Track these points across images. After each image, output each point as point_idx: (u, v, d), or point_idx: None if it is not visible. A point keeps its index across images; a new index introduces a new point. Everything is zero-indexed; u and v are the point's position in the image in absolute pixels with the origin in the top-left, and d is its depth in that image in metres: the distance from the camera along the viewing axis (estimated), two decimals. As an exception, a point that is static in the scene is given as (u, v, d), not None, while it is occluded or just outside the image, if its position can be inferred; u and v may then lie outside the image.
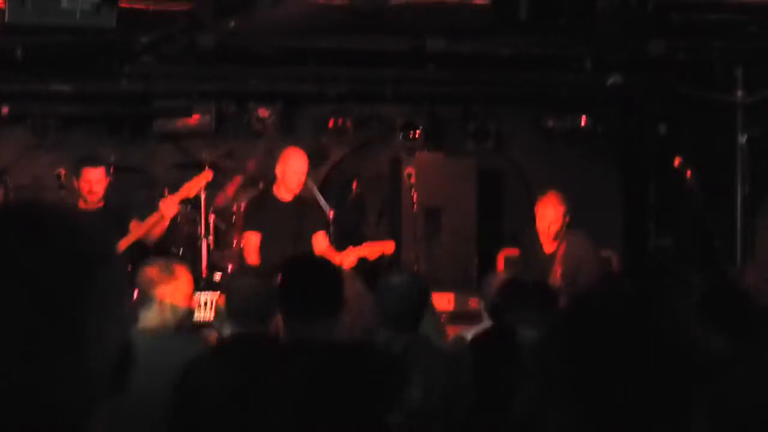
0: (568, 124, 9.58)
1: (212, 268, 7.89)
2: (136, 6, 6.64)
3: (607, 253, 8.29)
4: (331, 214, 8.02)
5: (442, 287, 7.81)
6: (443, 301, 7.70)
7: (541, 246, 7.31)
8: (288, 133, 9.42)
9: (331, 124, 9.38)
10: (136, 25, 7.12)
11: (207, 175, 7.14)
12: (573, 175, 8.93)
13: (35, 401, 1.27)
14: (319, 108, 9.40)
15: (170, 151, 9.24)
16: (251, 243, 7.30)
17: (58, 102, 8.63)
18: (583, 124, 9.53)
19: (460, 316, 7.42)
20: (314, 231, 7.32)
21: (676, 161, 7.73)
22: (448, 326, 6.24)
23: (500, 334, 4.10)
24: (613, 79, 8.46)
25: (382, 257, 7.43)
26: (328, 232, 7.35)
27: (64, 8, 6.07)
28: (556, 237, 7.22)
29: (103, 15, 6.13)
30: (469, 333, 4.89)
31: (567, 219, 7.23)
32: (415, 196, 7.90)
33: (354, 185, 9.12)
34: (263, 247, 7.26)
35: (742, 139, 8.32)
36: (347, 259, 7.15)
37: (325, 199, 8.30)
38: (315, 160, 8.91)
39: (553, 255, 7.20)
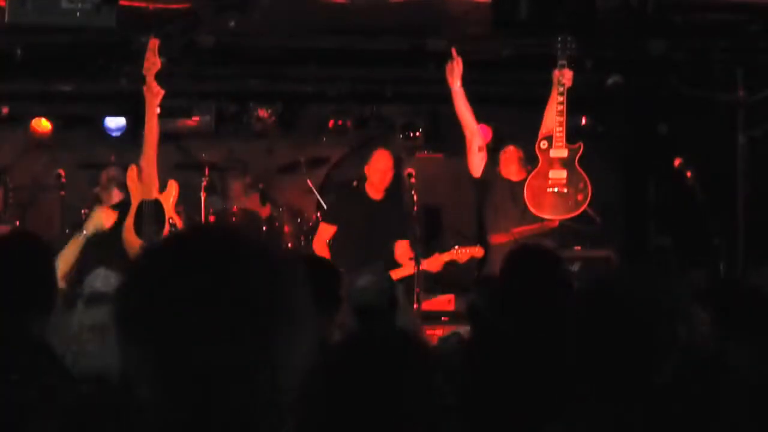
0: (568, 124, 9.56)
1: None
2: (136, 5, 6.64)
3: (607, 252, 8.28)
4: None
5: (443, 288, 7.80)
6: (443, 302, 7.69)
7: (508, 181, 7.54)
8: (288, 133, 9.42)
9: (331, 124, 9.38)
10: (136, 24, 7.11)
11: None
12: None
13: (225, 414, 1.31)
14: (319, 108, 9.40)
15: (170, 151, 9.23)
16: (322, 235, 7.57)
17: (58, 102, 8.63)
18: (583, 124, 9.52)
19: (460, 317, 7.41)
20: (397, 233, 7.48)
21: (676, 161, 7.72)
22: (449, 327, 6.24)
23: (482, 335, 4.09)
24: (613, 79, 8.46)
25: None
26: (413, 237, 7.37)
27: (64, 8, 6.07)
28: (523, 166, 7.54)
29: (103, 14, 6.13)
30: (464, 330, 4.87)
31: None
32: (415, 196, 7.90)
33: (354, 185, 9.11)
34: (339, 242, 7.50)
35: (742, 139, 8.31)
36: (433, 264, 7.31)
37: (325, 199, 8.30)
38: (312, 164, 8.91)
39: (523, 181, 7.42)
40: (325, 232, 7.60)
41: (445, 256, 7.35)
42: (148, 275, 1.36)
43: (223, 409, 1.31)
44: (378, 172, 7.58)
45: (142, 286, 1.35)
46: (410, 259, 7.26)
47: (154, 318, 1.31)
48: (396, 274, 6.91)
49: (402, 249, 7.49)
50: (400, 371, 1.86)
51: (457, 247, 7.43)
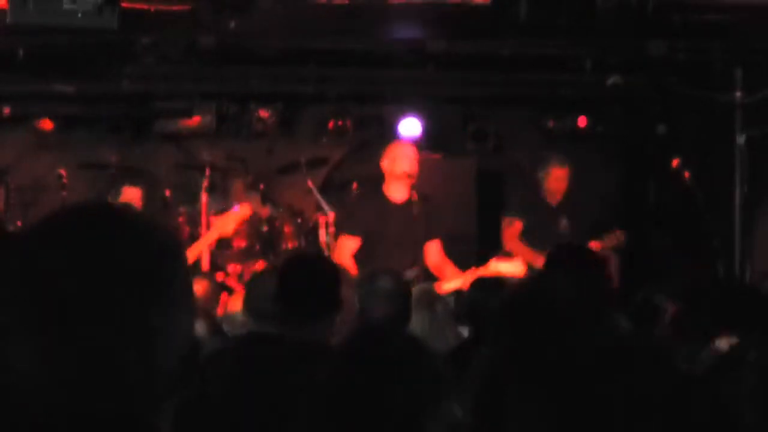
0: (568, 124, 9.59)
1: (213, 268, 7.90)
2: (137, 6, 6.65)
3: (607, 253, 8.30)
4: (332, 215, 8.03)
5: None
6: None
7: (543, 201, 7.93)
8: (288, 133, 9.44)
9: (331, 124, 9.39)
10: (137, 25, 7.13)
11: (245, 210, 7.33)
12: (573, 175, 8.95)
13: (104, 392, 1.32)
14: (319, 108, 9.41)
15: (171, 152, 9.26)
16: (346, 249, 6.98)
17: (59, 102, 8.64)
18: (583, 124, 9.54)
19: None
20: (427, 237, 7.06)
21: (675, 161, 7.75)
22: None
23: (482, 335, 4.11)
24: (613, 79, 8.47)
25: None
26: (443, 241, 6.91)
27: (66, 9, 6.09)
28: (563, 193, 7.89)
29: (105, 16, 6.15)
30: (466, 332, 4.88)
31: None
32: (415, 197, 7.91)
33: (354, 186, 9.12)
34: (365, 252, 6.94)
35: (742, 139, 8.33)
36: (465, 280, 6.30)
37: (325, 200, 8.31)
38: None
39: (557, 207, 7.84)
40: (347, 244, 7.00)
41: (479, 271, 6.37)
42: (27, 253, 1.37)
43: (99, 385, 1.33)
44: (403, 171, 6.97)
45: (22, 265, 1.36)
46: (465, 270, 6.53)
47: (32, 294, 1.33)
48: (446, 287, 6.33)
49: (433, 252, 6.99)
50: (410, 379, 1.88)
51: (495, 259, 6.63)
